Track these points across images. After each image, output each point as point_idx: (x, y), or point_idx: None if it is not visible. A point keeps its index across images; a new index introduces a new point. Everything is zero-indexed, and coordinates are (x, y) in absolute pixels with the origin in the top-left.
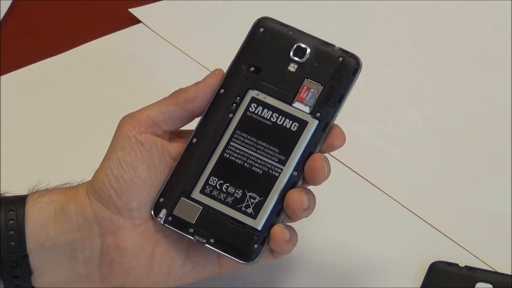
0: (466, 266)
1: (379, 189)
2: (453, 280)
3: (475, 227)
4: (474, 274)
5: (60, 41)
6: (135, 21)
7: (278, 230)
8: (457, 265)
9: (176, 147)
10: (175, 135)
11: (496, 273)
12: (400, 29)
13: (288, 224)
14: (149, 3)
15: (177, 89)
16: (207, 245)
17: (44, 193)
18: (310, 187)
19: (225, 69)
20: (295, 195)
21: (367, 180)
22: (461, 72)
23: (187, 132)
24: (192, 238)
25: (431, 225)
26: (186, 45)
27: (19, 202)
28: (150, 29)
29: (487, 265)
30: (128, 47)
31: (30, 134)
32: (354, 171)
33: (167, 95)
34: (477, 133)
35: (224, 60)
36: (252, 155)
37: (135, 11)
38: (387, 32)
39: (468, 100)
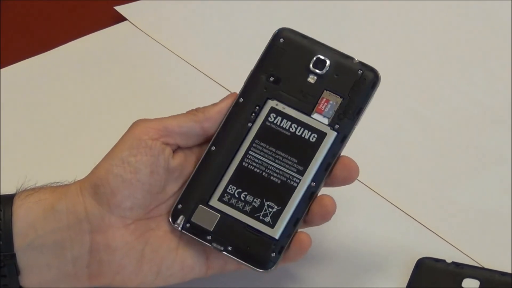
0: (453, 262)
1: (366, 185)
2: (440, 276)
3: (462, 223)
4: (461, 270)
5: (45, 39)
6: (120, 18)
7: (306, 238)
8: (444, 261)
9: (179, 158)
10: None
11: (483, 269)
12: (388, 26)
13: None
14: (135, 0)
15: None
16: (224, 252)
17: (32, 192)
18: None
19: (211, 69)
20: (329, 199)
21: None
22: (448, 69)
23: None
24: (210, 245)
25: (418, 221)
26: (172, 42)
27: (6, 201)
28: (136, 26)
29: (474, 261)
30: (113, 45)
31: (17, 133)
32: None
33: (151, 92)
34: (464, 131)
35: (209, 58)
36: (271, 165)
37: (120, 8)
38: (375, 29)
39: (455, 97)
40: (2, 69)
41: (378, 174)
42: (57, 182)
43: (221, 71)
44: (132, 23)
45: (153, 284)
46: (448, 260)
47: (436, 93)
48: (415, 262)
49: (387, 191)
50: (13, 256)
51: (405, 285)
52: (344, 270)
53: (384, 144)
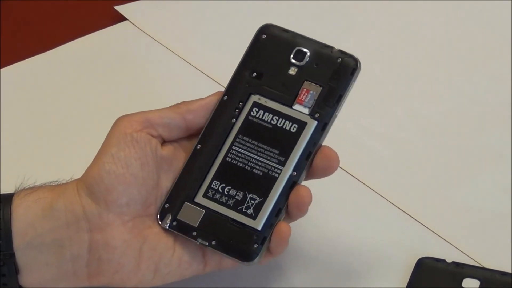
0: (453, 262)
1: (366, 185)
2: (440, 276)
3: (462, 223)
4: (461, 270)
5: (45, 39)
6: (120, 18)
7: (285, 226)
8: (444, 261)
9: (168, 151)
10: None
11: (483, 268)
12: (388, 26)
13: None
14: (135, 0)
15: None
16: (209, 247)
17: (30, 191)
18: None
19: (211, 69)
20: (305, 189)
21: (353, 177)
22: (447, 69)
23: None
24: (195, 241)
25: (418, 221)
26: (172, 42)
27: (6, 201)
28: (136, 26)
29: (475, 260)
30: (113, 44)
31: (17, 133)
32: (341, 168)
33: (152, 92)
34: (464, 131)
35: (209, 57)
36: (253, 158)
37: (120, 8)
38: (375, 29)
39: (456, 97)
40: (2, 69)
41: (379, 173)
42: (56, 181)
43: (221, 71)
44: (132, 23)
45: (152, 283)
46: (448, 260)
47: (436, 93)
48: (415, 262)
49: (387, 191)
50: (12, 255)
51: (405, 285)
52: (344, 270)
53: (384, 143)
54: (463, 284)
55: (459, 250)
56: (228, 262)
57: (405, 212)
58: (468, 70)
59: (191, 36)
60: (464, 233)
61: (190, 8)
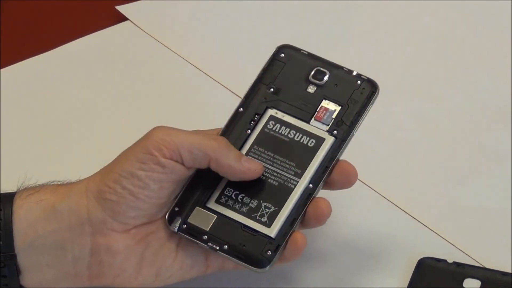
0: (454, 262)
1: (366, 185)
2: (441, 276)
3: (463, 223)
4: (462, 270)
5: (45, 39)
6: (122, 18)
7: (301, 237)
8: (445, 261)
9: (189, 171)
10: None
11: (484, 268)
12: (389, 26)
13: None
14: (136, 0)
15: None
16: (220, 252)
17: (32, 192)
18: None
19: (212, 68)
20: (325, 202)
21: None
22: (448, 68)
23: None
24: (206, 245)
25: (419, 221)
26: (173, 42)
27: (7, 201)
28: (137, 26)
29: (475, 261)
30: (115, 44)
31: (17, 133)
32: None
33: (153, 92)
34: (464, 130)
35: (210, 57)
36: (269, 168)
37: (122, 8)
38: (376, 29)
39: (456, 97)
40: (2, 69)
41: (379, 173)
42: (58, 181)
43: (223, 71)
44: (133, 23)
45: (152, 285)
46: (449, 260)
47: (437, 93)
48: (416, 262)
49: (388, 191)
50: (13, 256)
51: (406, 285)
52: (345, 270)
53: (386, 143)
54: (464, 284)
55: (460, 250)
56: (230, 263)
57: (406, 212)
58: (468, 70)
59: (192, 36)
60: (465, 233)
61: (192, 8)
